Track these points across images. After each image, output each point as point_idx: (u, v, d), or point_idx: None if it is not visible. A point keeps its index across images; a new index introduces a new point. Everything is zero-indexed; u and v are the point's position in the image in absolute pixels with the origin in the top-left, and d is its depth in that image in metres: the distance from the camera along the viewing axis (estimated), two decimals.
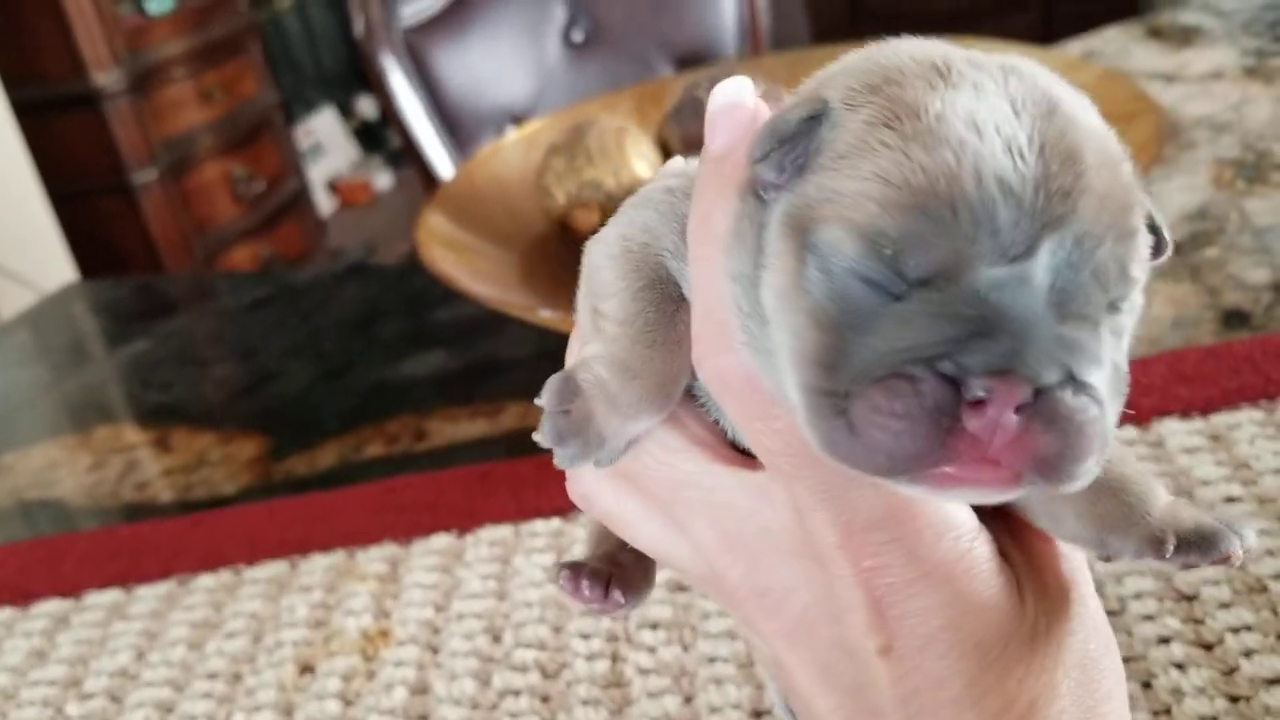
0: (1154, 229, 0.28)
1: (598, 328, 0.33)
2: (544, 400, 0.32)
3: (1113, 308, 0.26)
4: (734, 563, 0.33)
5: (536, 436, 0.32)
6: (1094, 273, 0.26)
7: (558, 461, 0.32)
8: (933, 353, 0.25)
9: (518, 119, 1.62)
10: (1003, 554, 0.32)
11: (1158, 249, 0.28)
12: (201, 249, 2.86)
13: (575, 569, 0.37)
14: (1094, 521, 0.31)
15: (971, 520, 0.31)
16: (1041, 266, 0.25)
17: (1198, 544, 0.30)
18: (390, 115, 1.64)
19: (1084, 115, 0.28)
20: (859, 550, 0.30)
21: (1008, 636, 0.31)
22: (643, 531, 0.35)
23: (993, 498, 0.27)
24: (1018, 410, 0.25)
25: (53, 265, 2.51)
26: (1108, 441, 0.26)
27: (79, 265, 2.62)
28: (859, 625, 0.31)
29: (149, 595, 0.68)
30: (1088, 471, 0.26)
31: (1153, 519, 0.31)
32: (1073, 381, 0.25)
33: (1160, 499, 0.31)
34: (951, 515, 0.31)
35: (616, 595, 0.36)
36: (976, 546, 0.31)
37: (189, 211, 2.86)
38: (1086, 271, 0.26)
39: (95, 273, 2.66)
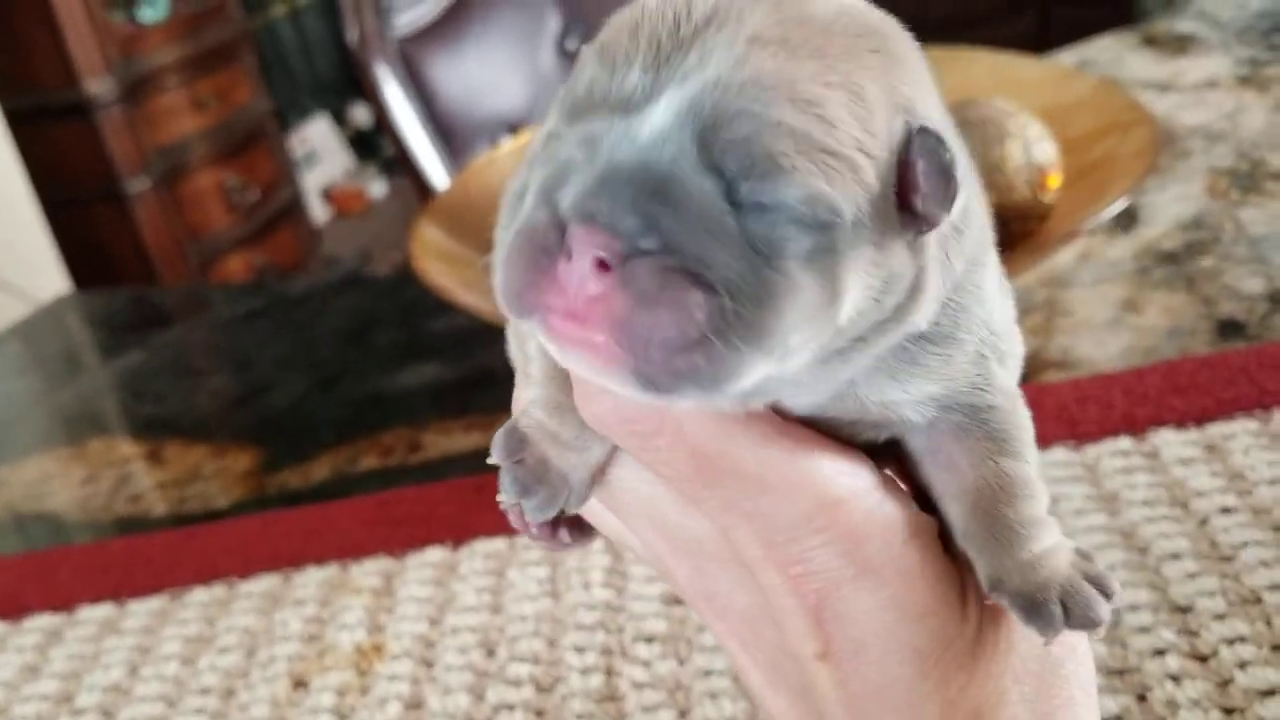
0: (940, 163, 0.25)
1: (525, 373, 0.33)
2: (496, 456, 0.32)
3: (762, 208, 0.24)
4: (678, 565, 0.33)
5: (501, 498, 0.32)
6: (732, 150, 0.23)
7: (529, 515, 0.32)
8: (545, 192, 0.24)
9: (513, 128, 1.62)
10: (953, 557, 0.32)
11: (946, 190, 0.25)
12: (195, 258, 2.85)
13: None
14: (970, 540, 0.31)
15: (907, 522, 0.31)
16: (656, 122, 0.23)
17: (1070, 608, 0.30)
18: (384, 124, 1.63)
19: (830, 10, 0.26)
20: (784, 558, 0.30)
21: (947, 642, 0.31)
22: (625, 538, 0.35)
23: (601, 374, 0.24)
24: (606, 268, 0.23)
25: (46, 275, 2.50)
26: (731, 350, 0.23)
27: (72, 275, 2.62)
28: (796, 630, 0.31)
29: (142, 610, 0.68)
30: (689, 368, 0.23)
31: (1029, 565, 0.31)
32: (676, 254, 0.23)
33: (1043, 540, 0.31)
34: (884, 516, 0.30)
35: (564, 534, 0.36)
36: (911, 550, 0.31)
37: (182, 220, 2.85)
38: (719, 146, 0.23)
39: (88, 282, 2.65)
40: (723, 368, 0.23)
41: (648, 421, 0.29)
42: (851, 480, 0.30)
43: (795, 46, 0.24)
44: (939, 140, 0.25)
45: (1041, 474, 0.32)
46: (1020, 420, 0.31)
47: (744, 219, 0.23)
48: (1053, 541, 0.31)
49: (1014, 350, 0.32)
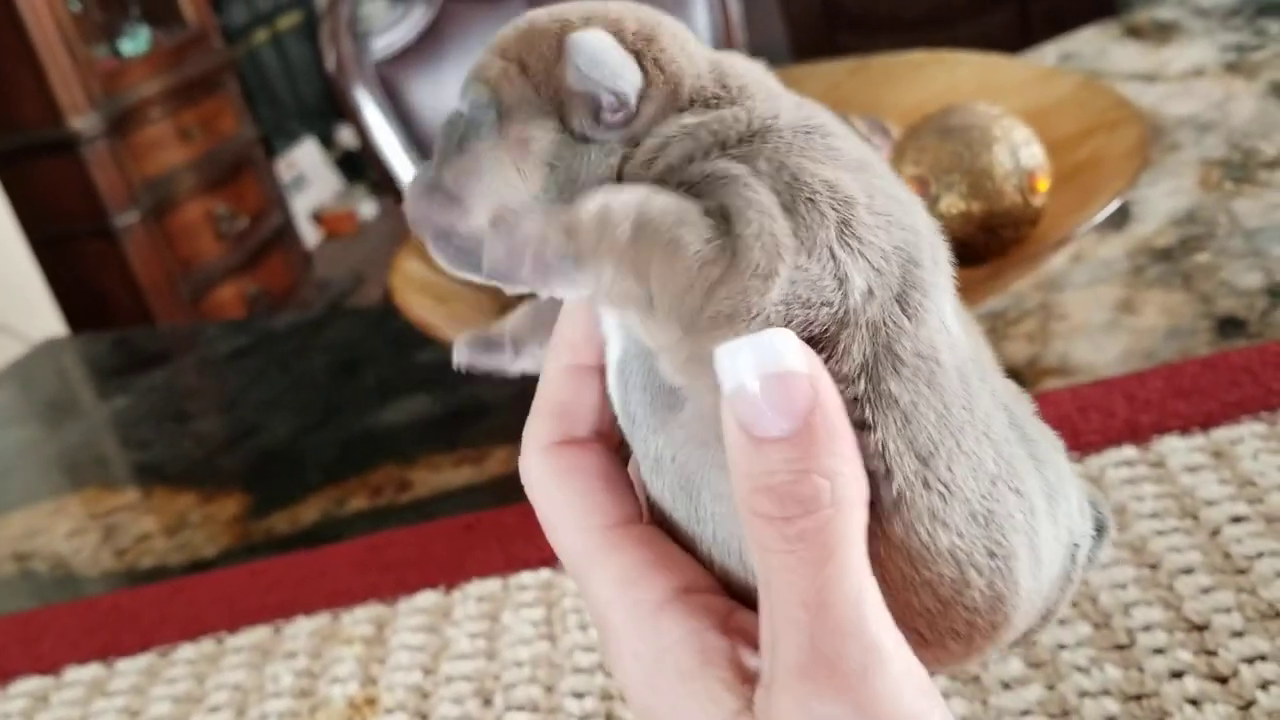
0: (578, 60, 0.30)
1: None
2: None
3: (461, 115, 0.32)
4: None
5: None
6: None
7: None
8: None
9: None
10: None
11: (593, 76, 0.30)
12: (187, 289, 2.84)
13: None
14: None
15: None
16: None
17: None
18: (366, 149, 1.62)
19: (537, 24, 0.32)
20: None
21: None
22: None
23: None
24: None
25: (39, 313, 2.49)
26: (451, 200, 0.31)
27: (64, 312, 2.61)
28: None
29: (130, 669, 0.66)
30: (438, 227, 0.31)
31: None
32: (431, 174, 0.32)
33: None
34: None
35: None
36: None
37: (173, 252, 2.84)
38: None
39: (81, 319, 2.64)
40: (447, 216, 0.31)
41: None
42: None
43: (520, 28, 0.32)
44: (579, 44, 0.30)
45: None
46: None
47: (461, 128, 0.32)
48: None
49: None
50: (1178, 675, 0.49)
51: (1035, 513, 0.29)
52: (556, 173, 0.30)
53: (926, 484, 0.28)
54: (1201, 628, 0.50)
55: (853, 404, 0.27)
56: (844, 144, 0.30)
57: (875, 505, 0.28)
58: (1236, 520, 0.55)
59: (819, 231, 0.27)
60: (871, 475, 0.27)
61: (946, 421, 0.28)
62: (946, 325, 0.29)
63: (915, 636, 0.28)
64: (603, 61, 0.29)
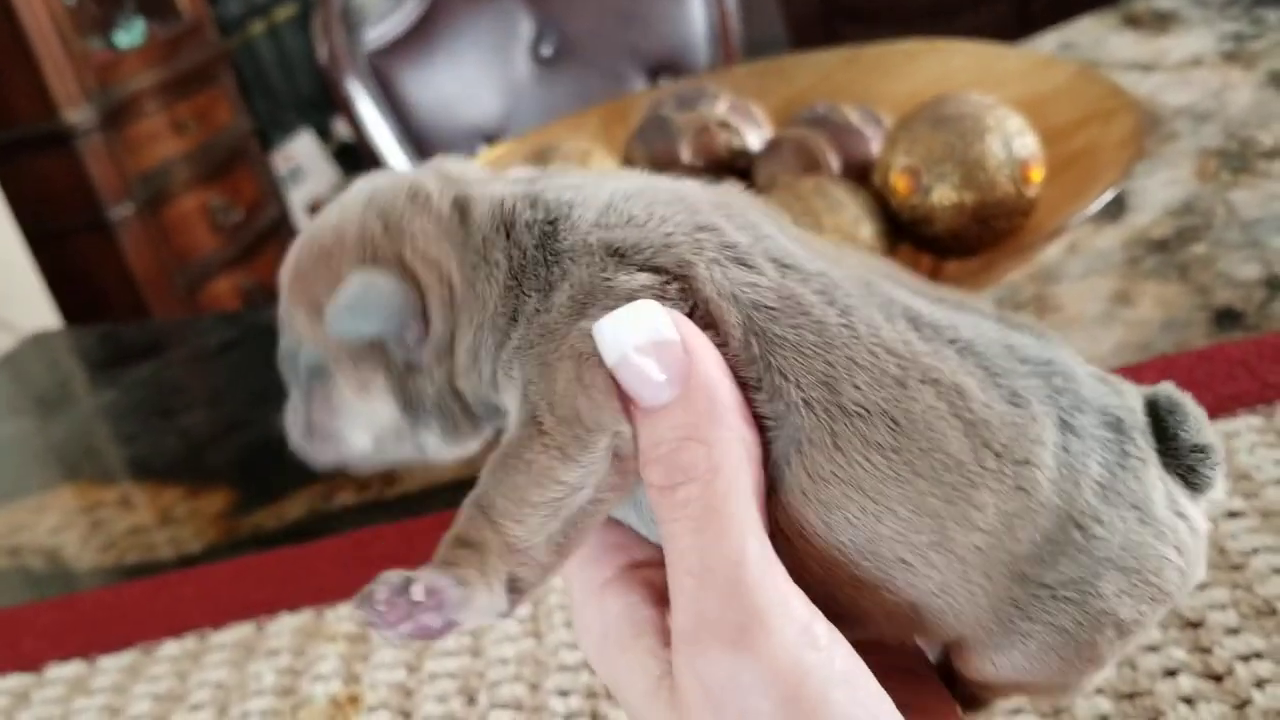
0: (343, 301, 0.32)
1: None
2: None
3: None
4: None
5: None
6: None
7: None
8: None
9: (489, 138, 1.59)
10: None
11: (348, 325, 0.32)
12: (182, 282, 2.83)
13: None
14: None
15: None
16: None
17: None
18: (359, 141, 1.61)
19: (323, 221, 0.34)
20: None
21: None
22: None
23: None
24: None
25: (33, 307, 2.48)
26: (319, 437, 0.35)
27: (60, 306, 2.59)
28: None
29: (112, 667, 0.65)
30: (313, 450, 0.36)
31: None
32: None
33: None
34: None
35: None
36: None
37: (168, 245, 2.82)
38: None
39: (77, 313, 2.63)
40: (335, 450, 0.35)
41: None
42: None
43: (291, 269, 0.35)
44: (334, 318, 0.32)
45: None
46: None
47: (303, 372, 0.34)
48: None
49: None
50: (1172, 673, 0.48)
51: (965, 393, 0.28)
52: (406, 393, 0.32)
53: (843, 409, 0.28)
54: (1196, 624, 0.50)
55: (751, 363, 0.28)
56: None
57: (800, 446, 0.28)
58: (1232, 515, 0.54)
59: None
60: (784, 417, 0.28)
61: (831, 344, 0.28)
62: (788, 263, 0.29)
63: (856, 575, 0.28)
64: (367, 315, 0.31)
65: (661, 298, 0.28)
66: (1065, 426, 0.29)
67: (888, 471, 0.28)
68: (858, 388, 0.28)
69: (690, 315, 0.28)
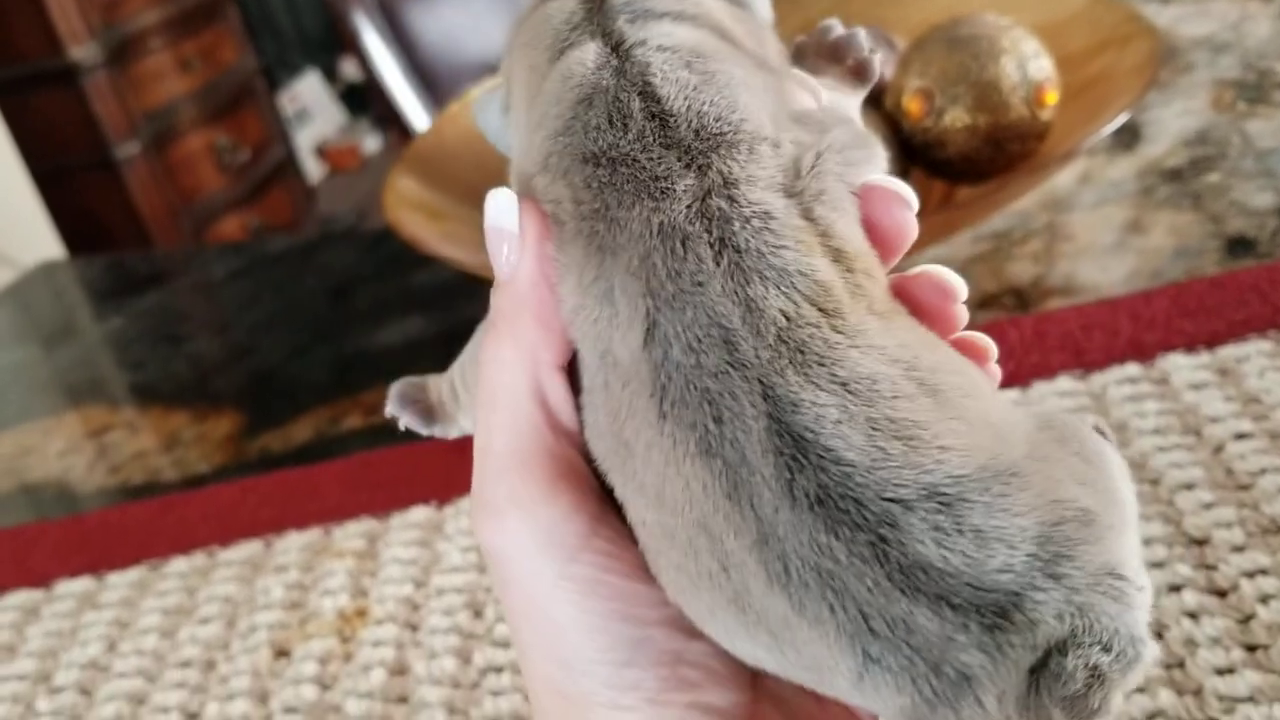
0: None
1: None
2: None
3: None
4: None
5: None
6: None
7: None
8: None
9: (495, 70, 1.57)
10: None
11: None
12: (189, 221, 2.82)
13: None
14: None
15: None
16: None
17: None
18: (367, 75, 1.60)
19: None
20: None
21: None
22: None
23: None
24: None
25: (38, 244, 2.47)
26: None
27: (66, 244, 2.59)
28: None
29: (120, 583, 0.66)
30: None
31: None
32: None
33: None
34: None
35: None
36: None
37: (174, 184, 2.81)
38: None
39: (83, 251, 2.62)
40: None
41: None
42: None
43: None
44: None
45: None
46: None
47: None
48: None
49: None
50: (1176, 589, 0.48)
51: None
52: None
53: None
54: (1201, 542, 0.50)
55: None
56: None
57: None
58: (1240, 437, 0.54)
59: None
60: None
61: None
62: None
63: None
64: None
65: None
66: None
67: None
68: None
69: None
